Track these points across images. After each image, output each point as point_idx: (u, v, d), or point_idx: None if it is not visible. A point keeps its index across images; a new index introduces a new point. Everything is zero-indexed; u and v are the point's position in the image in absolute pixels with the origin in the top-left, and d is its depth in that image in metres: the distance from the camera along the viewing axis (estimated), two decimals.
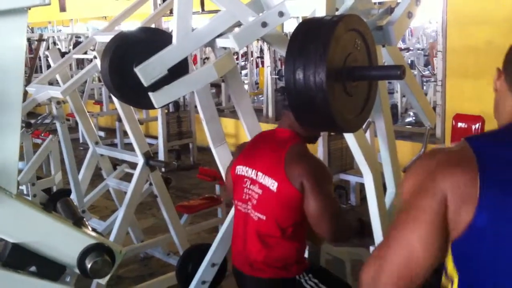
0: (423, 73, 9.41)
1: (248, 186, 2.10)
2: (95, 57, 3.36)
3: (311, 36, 1.61)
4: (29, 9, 1.14)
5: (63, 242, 1.23)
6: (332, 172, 5.12)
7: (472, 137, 1.11)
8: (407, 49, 9.84)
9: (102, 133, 8.44)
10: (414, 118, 7.49)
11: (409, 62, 9.45)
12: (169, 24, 8.10)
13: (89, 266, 1.22)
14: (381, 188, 2.22)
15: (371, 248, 2.58)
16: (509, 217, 0.99)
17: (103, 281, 1.28)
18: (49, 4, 1.12)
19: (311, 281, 2.07)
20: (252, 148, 2.18)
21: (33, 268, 1.22)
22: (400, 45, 9.54)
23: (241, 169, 2.15)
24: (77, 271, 1.24)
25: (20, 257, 1.20)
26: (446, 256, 1.08)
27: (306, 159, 2.03)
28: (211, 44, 2.26)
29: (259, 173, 2.06)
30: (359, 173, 4.35)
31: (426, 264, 1.05)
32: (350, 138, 2.07)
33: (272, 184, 2.01)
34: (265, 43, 8.36)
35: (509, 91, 1.13)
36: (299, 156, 2.02)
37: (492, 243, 1.00)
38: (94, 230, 1.34)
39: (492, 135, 1.14)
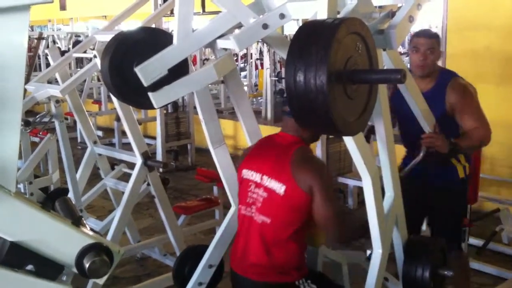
0: None
1: (253, 190, 2.14)
2: (95, 56, 3.35)
3: (312, 38, 1.61)
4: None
5: (61, 241, 1.22)
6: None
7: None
8: (407, 53, 9.86)
9: (100, 133, 8.44)
10: None
11: (409, 66, 9.46)
12: (170, 24, 8.10)
13: (87, 265, 1.21)
14: (379, 191, 2.22)
15: (368, 252, 2.57)
16: None
17: (101, 281, 1.27)
18: (51, 2, 1.12)
19: (310, 287, 2.09)
20: (257, 152, 2.23)
21: (30, 267, 1.21)
22: (400, 49, 9.55)
23: (246, 173, 2.20)
24: (74, 270, 1.23)
25: (18, 256, 1.19)
26: None
27: (312, 162, 2.13)
28: (212, 45, 2.25)
29: (264, 177, 2.11)
30: (357, 177, 4.36)
31: None
32: (349, 142, 2.07)
33: (279, 187, 2.05)
34: (264, 45, 8.37)
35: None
36: (306, 160, 2.10)
37: None
38: (92, 229, 1.33)
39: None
